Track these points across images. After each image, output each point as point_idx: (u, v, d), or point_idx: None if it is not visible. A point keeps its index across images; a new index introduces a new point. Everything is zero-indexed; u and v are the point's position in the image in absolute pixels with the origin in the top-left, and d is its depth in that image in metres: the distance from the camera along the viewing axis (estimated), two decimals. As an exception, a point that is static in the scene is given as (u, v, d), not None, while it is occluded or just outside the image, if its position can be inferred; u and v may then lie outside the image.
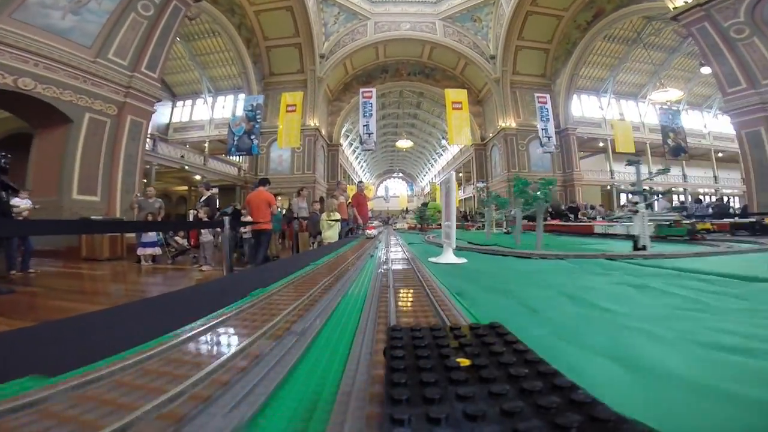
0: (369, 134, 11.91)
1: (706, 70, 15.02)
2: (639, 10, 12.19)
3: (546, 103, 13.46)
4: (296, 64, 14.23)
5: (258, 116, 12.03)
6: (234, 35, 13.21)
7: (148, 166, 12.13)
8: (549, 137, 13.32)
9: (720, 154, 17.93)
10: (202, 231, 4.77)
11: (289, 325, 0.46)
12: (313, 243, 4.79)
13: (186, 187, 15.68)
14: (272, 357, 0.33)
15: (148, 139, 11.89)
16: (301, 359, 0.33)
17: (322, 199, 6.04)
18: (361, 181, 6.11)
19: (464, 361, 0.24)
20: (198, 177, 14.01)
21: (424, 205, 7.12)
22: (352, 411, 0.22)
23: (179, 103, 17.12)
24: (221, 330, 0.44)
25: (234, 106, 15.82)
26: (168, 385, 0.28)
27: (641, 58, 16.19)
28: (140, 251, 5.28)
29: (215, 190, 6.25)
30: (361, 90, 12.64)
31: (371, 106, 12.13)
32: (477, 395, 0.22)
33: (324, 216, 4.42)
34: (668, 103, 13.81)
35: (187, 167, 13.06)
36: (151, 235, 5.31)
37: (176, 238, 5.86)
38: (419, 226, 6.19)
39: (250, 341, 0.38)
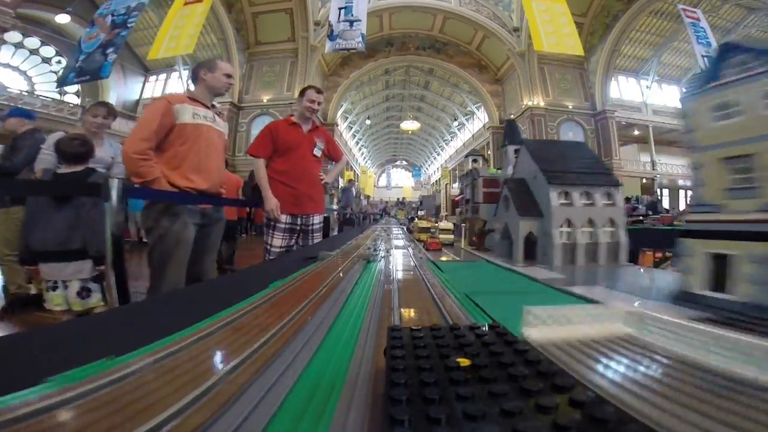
0: (351, 22, 7.71)
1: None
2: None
3: (699, 19, 9.91)
4: (287, 31, 14.13)
5: (130, 22, 7.86)
6: (215, -2, 13.09)
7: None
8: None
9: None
10: None
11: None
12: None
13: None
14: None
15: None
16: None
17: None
18: (311, 86, 2.48)
19: (464, 361, 0.27)
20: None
21: None
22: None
23: (152, 78, 17.13)
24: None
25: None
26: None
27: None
28: None
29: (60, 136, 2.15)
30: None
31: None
32: (477, 395, 0.25)
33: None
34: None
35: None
36: None
37: None
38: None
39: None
